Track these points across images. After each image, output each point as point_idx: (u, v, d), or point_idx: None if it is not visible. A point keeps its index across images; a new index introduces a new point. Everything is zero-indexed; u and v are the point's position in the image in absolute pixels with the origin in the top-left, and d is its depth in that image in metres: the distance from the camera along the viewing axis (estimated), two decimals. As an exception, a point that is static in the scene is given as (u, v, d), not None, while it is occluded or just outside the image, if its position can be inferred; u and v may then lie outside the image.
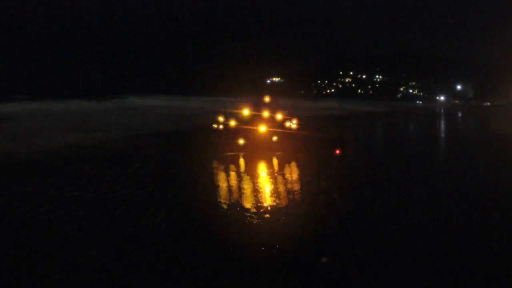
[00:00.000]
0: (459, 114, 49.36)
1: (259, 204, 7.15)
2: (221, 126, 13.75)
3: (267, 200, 7.54)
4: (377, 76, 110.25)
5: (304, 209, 4.82)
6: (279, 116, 13.36)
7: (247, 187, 8.67)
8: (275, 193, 8.00)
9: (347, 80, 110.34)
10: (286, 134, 13.08)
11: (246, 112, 13.33)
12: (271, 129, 13.02)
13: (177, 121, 26.72)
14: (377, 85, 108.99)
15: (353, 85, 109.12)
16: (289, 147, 12.20)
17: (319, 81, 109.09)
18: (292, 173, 10.00)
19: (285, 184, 8.65)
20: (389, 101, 76.48)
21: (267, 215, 6.39)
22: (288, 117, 13.62)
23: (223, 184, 9.18)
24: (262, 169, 10.72)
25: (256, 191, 8.23)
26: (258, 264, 4.70)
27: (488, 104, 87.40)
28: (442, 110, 59.45)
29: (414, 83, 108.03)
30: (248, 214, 6.49)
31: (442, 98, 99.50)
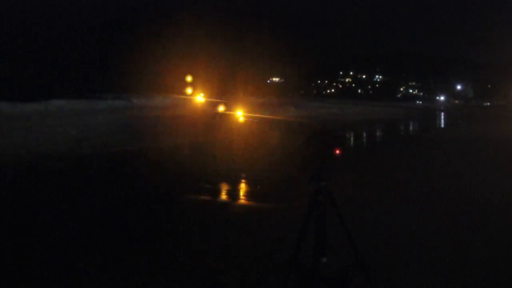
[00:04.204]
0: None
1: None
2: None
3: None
4: (377, 76, 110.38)
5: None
6: None
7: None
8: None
9: (347, 80, 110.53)
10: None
11: None
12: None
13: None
14: (377, 85, 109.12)
15: (353, 85, 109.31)
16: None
17: (319, 81, 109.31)
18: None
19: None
20: (388, 101, 76.45)
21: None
22: None
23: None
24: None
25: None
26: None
27: (488, 104, 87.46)
28: (443, 112, 59.42)
29: (414, 83, 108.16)
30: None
31: (442, 98, 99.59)
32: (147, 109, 32.00)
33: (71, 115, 27.18)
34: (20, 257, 5.00)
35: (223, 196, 8.54)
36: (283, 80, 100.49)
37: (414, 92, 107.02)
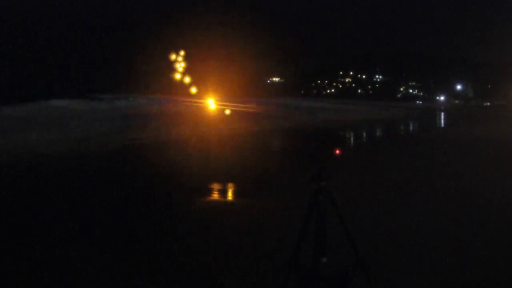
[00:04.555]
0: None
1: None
2: None
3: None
4: (377, 76, 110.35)
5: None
6: None
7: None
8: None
9: (347, 80, 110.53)
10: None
11: None
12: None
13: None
14: (377, 85, 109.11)
15: (353, 85, 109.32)
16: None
17: (319, 81, 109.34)
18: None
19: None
20: (388, 101, 76.42)
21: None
22: None
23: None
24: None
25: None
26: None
27: (488, 104, 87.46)
28: (443, 112, 59.45)
29: (414, 83, 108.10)
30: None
31: (442, 98, 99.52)
32: (147, 109, 32.03)
33: (71, 115, 27.17)
34: (20, 257, 5.01)
35: (223, 195, 8.55)
36: (283, 80, 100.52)
37: (414, 92, 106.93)
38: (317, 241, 2.60)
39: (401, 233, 5.73)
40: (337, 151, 2.68)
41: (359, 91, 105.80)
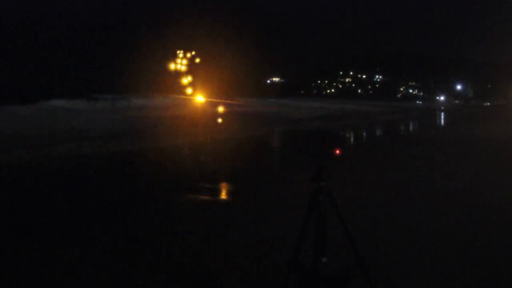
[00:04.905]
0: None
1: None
2: None
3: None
4: (377, 76, 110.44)
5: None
6: None
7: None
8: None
9: (347, 80, 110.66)
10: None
11: None
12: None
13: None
14: (377, 85, 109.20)
15: (353, 85, 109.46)
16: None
17: (319, 81, 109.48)
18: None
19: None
20: (388, 101, 76.45)
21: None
22: None
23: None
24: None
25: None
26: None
27: (488, 104, 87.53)
28: (443, 112, 59.43)
29: (414, 83, 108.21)
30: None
31: (442, 98, 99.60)
32: (147, 109, 32.02)
33: (71, 115, 27.17)
34: (20, 257, 5.01)
35: (223, 195, 8.55)
36: (283, 80, 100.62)
37: (414, 92, 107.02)
38: (317, 241, 2.60)
39: (401, 233, 5.73)
40: (337, 151, 2.67)
41: (359, 91, 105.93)
